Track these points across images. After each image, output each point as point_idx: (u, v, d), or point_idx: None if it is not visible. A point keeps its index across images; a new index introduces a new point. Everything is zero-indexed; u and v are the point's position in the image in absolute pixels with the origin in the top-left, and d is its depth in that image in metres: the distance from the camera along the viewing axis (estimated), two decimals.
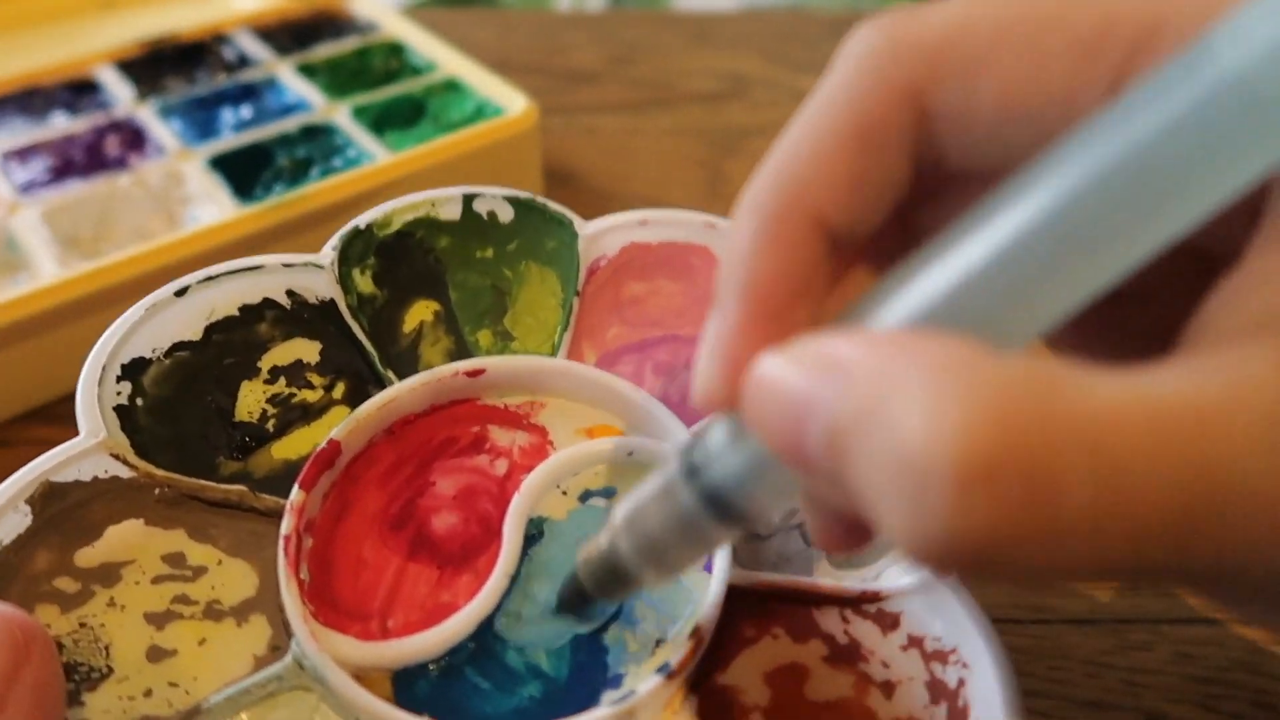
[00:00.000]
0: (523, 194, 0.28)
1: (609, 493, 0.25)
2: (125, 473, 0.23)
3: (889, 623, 0.21)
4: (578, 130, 0.50)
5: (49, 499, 0.22)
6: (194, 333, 0.25)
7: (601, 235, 0.28)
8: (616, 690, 0.21)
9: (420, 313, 0.28)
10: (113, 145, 0.41)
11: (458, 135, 0.39)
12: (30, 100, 0.44)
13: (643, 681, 0.20)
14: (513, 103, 0.42)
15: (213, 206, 0.37)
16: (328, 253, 0.27)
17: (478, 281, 0.28)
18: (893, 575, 0.22)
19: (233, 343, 0.26)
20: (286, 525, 0.22)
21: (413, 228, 0.28)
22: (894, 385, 0.11)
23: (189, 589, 0.23)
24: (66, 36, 0.49)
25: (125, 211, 0.38)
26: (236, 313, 0.26)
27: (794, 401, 0.12)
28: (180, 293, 0.25)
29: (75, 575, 0.22)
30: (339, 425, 0.24)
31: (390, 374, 0.26)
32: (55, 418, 0.34)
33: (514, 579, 0.23)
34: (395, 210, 0.28)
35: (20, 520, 0.22)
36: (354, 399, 0.26)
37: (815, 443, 0.12)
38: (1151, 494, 0.11)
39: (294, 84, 0.44)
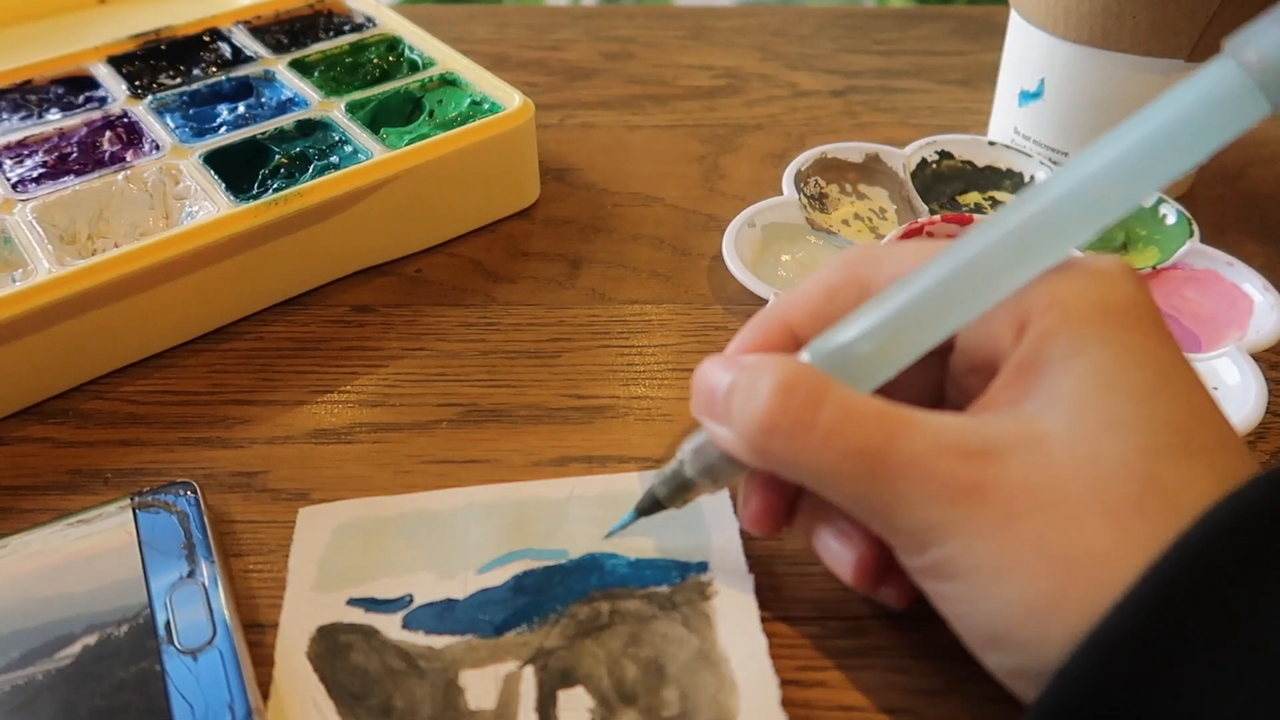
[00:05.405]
0: (1184, 211, 0.39)
1: None
2: None
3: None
4: (574, 126, 0.50)
5: None
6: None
7: (1198, 254, 0.38)
8: None
9: None
10: (108, 142, 0.41)
11: (454, 132, 0.39)
12: (25, 96, 0.44)
13: None
14: (509, 99, 0.42)
15: (208, 203, 0.37)
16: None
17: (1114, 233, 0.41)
18: None
19: None
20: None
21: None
22: (757, 372, 0.23)
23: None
24: (61, 32, 0.48)
25: (121, 208, 0.38)
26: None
27: (714, 378, 0.24)
28: None
29: None
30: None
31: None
32: (50, 415, 0.34)
33: None
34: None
35: None
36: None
37: (721, 401, 0.24)
38: (856, 445, 0.22)
39: (290, 80, 0.44)
